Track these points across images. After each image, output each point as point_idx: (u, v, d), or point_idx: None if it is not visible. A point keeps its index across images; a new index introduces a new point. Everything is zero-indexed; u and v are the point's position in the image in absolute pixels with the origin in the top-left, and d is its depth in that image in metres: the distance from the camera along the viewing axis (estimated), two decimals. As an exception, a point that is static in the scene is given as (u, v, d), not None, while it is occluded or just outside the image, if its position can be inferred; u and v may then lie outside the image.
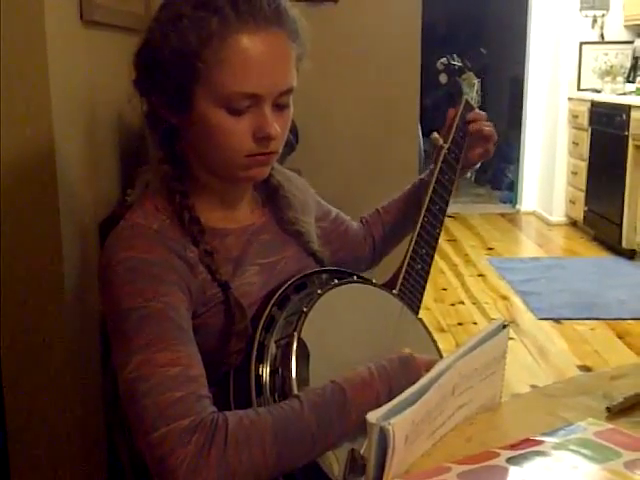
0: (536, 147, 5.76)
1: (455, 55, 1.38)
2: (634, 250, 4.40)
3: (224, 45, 0.87)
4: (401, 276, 1.16)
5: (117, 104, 1.44)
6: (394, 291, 1.13)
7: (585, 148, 5.00)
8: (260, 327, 0.93)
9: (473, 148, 1.27)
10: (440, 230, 1.23)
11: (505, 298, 3.81)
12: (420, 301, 1.18)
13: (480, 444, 0.77)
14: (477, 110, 1.28)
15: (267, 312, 0.95)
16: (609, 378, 0.97)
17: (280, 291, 0.98)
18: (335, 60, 2.32)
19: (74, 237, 1.17)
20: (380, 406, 0.69)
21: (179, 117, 0.93)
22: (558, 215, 5.45)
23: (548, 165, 5.56)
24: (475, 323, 3.47)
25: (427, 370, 0.78)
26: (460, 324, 3.46)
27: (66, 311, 1.13)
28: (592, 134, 4.91)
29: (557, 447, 0.74)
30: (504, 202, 6.28)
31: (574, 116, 5.19)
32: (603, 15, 5.20)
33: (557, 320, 3.45)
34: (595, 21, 5.23)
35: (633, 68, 5.08)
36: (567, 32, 5.28)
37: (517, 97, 6.06)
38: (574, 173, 5.19)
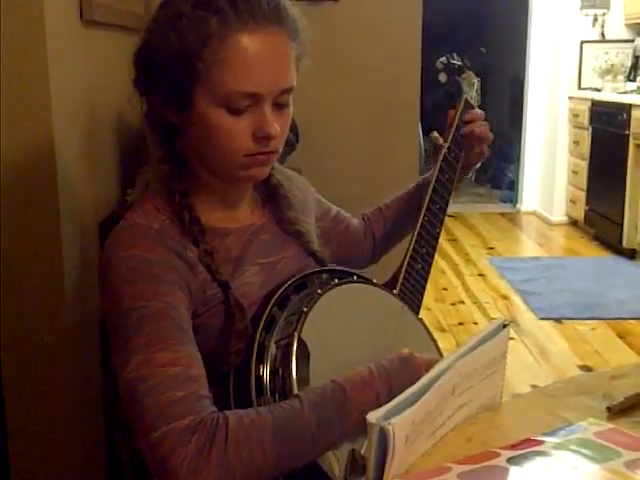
0: (536, 146, 5.76)
1: (455, 54, 1.38)
2: (635, 250, 4.40)
3: (224, 44, 0.86)
4: (401, 276, 1.15)
5: (117, 104, 1.44)
6: (394, 291, 1.13)
7: (586, 147, 4.99)
8: (260, 327, 0.93)
9: (471, 148, 1.27)
10: (440, 229, 1.23)
11: (505, 298, 3.81)
12: (420, 301, 1.18)
13: (480, 444, 0.77)
14: (476, 109, 1.28)
15: (267, 312, 0.95)
16: (609, 378, 0.96)
17: (280, 291, 0.98)
18: (335, 59, 2.32)
19: (74, 237, 1.17)
20: (380, 406, 0.69)
21: (179, 117, 0.93)
22: (559, 214, 5.45)
23: (549, 164, 5.56)
24: (475, 323, 3.47)
25: (427, 370, 0.78)
26: (460, 324, 3.46)
27: (66, 311, 1.13)
28: (593, 133, 4.91)
29: (558, 447, 0.74)
30: (504, 201, 6.28)
31: (575, 115, 5.18)
32: (604, 14, 5.20)
33: (558, 320, 3.45)
34: (596, 20, 5.23)
35: (634, 67, 5.08)
36: (568, 31, 5.28)
37: (517, 96, 6.06)
38: (575, 172, 5.19)
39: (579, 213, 5.10)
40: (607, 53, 5.20)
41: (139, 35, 0.93)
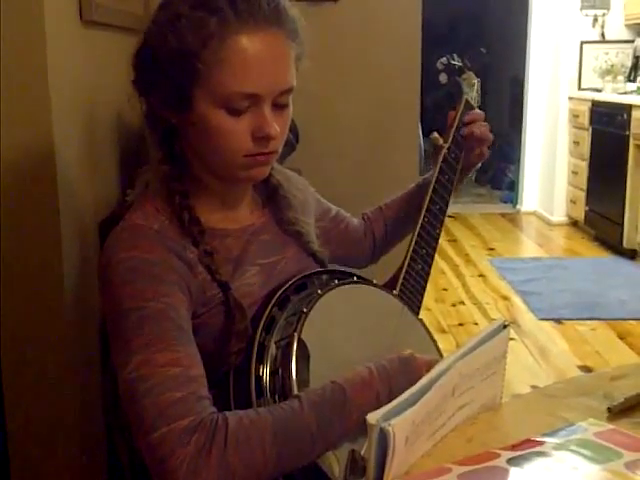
0: (537, 147, 5.76)
1: (455, 55, 1.38)
2: (635, 250, 4.40)
3: (223, 45, 0.86)
4: (401, 276, 1.15)
5: (117, 104, 1.43)
6: (394, 291, 1.13)
7: (586, 148, 4.99)
8: (260, 328, 0.93)
9: (471, 149, 1.27)
10: (440, 230, 1.23)
11: (506, 298, 3.81)
12: (420, 301, 1.18)
13: (481, 445, 0.77)
14: (476, 110, 1.28)
15: (267, 313, 0.95)
16: (610, 378, 0.96)
17: (280, 292, 0.98)
18: (335, 59, 2.32)
19: (74, 237, 1.17)
20: (380, 406, 0.69)
21: (178, 117, 0.93)
22: (559, 215, 5.45)
23: (549, 165, 5.56)
24: (476, 323, 3.46)
25: (428, 370, 0.78)
26: (461, 324, 3.46)
27: (66, 311, 1.13)
28: (593, 133, 4.91)
29: (558, 448, 0.74)
30: (505, 202, 6.28)
31: (575, 115, 5.18)
32: (604, 14, 5.20)
33: (558, 320, 3.45)
34: (596, 20, 5.23)
35: (634, 67, 5.08)
36: (568, 31, 5.28)
37: (517, 97, 6.06)
38: (575, 173, 5.19)
39: (579, 213, 5.10)
40: (607, 53, 5.20)
41: (139, 36, 0.93)
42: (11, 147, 1.06)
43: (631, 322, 3.39)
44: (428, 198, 1.22)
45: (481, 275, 4.23)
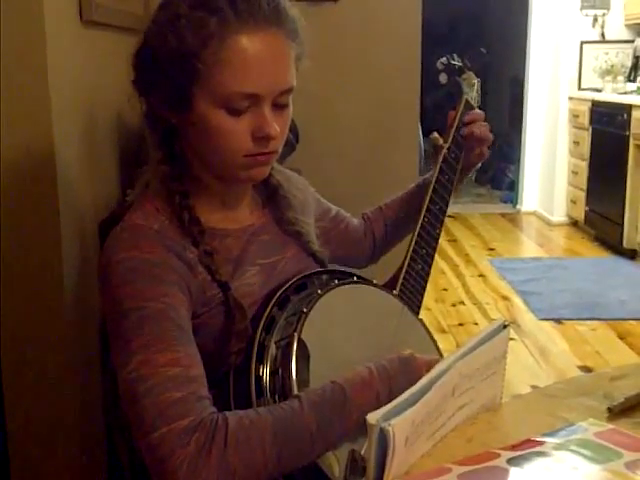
0: (537, 147, 5.76)
1: (455, 55, 1.38)
2: (635, 250, 4.40)
3: (223, 45, 0.86)
4: (401, 276, 1.15)
5: (117, 104, 1.43)
6: (394, 291, 1.13)
7: (586, 148, 4.99)
8: (260, 328, 0.93)
9: (471, 149, 1.27)
10: (440, 230, 1.23)
11: (506, 298, 3.81)
12: (420, 301, 1.18)
13: (481, 445, 0.77)
14: (476, 110, 1.28)
15: (267, 313, 0.94)
16: (610, 378, 0.96)
17: (280, 292, 0.98)
18: (335, 59, 2.32)
19: (74, 237, 1.17)
20: (380, 406, 0.69)
21: (178, 117, 0.93)
22: (559, 215, 5.45)
23: (549, 165, 5.56)
24: (476, 323, 3.46)
25: (428, 370, 0.78)
26: (461, 324, 3.46)
27: (66, 311, 1.13)
28: (593, 134, 4.91)
29: (558, 448, 0.74)
30: (505, 202, 6.28)
31: (575, 115, 5.18)
32: (604, 14, 5.20)
33: (558, 320, 3.45)
34: (596, 20, 5.23)
35: (634, 67, 5.08)
36: (568, 31, 5.28)
37: (517, 97, 6.06)
38: (575, 173, 5.19)
39: (579, 213, 5.10)
40: (607, 53, 5.20)
41: (139, 36, 0.93)
42: (11, 147, 1.06)
43: (631, 322, 3.39)
44: (428, 198, 1.22)
45: (481, 275, 4.23)
